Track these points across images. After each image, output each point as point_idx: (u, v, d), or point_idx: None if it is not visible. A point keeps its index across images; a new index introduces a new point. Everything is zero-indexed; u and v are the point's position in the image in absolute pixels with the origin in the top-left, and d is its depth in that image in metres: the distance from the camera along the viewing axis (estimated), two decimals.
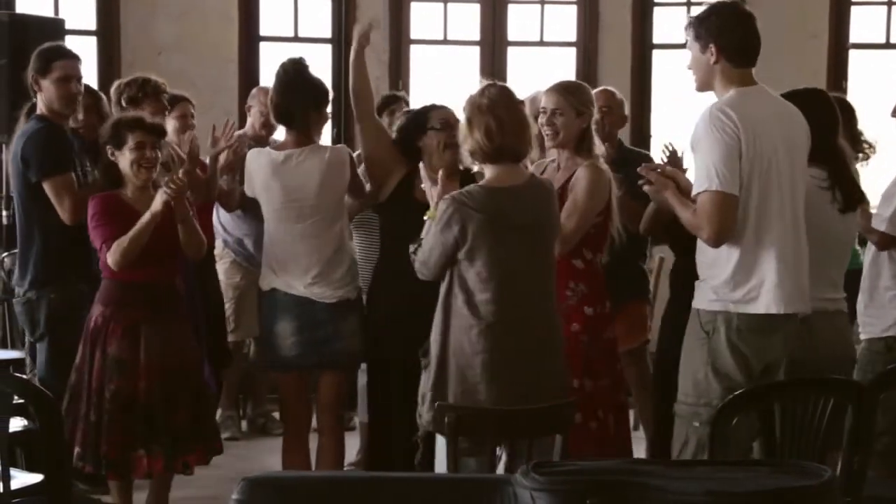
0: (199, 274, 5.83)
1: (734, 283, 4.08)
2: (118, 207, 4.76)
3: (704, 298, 4.14)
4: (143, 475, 4.81)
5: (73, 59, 5.40)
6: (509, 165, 4.17)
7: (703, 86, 4.20)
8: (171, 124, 6.28)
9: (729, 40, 4.11)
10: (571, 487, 2.66)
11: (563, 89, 4.79)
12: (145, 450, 4.72)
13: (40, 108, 5.33)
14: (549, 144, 4.81)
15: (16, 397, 3.89)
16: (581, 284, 4.67)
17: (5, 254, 6.68)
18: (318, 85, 5.11)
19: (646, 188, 4.33)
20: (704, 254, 4.17)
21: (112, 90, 6.03)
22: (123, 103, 5.92)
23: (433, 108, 5.06)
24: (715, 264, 4.11)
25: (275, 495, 2.74)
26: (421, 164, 4.54)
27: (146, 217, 4.68)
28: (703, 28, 4.14)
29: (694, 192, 4.07)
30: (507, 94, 4.20)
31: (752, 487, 2.67)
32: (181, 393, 4.80)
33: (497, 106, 4.12)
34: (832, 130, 4.52)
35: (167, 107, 6.02)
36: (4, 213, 7.05)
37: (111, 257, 4.70)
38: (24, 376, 5.27)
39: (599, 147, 4.82)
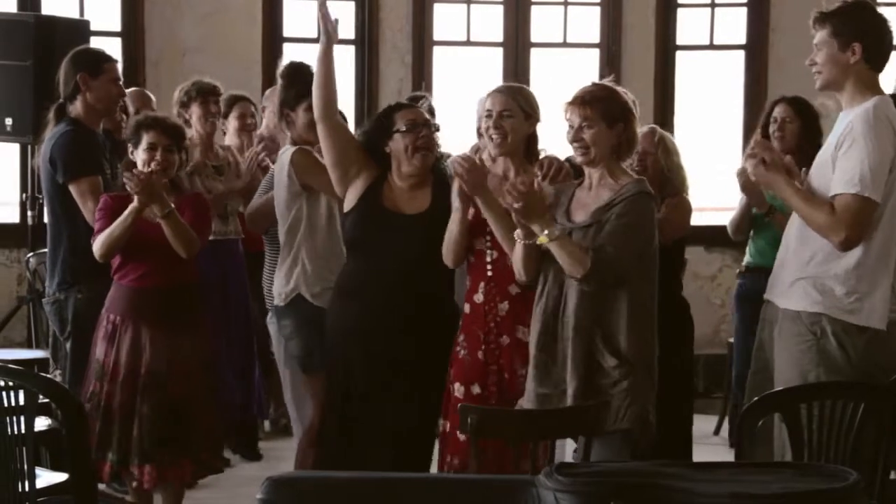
0: (252, 279, 5.91)
1: (846, 289, 4.00)
2: (122, 207, 4.68)
3: (808, 300, 4.04)
4: (104, 480, 4.77)
5: (117, 62, 5.50)
6: None
7: (831, 85, 4.06)
8: (231, 125, 6.35)
9: (875, 41, 4.00)
10: (595, 489, 2.66)
11: (511, 91, 4.46)
12: (100, 455, 4.65)
13: (76, 108, 5.34)
14: (495, 151, 4.39)
15: (41, 396, 3.90)
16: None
17: (30, 254, 6.73)
18: (299, 84, 4.88)
19: (755, 165, 4.11)
20: (813, 253, 4.05)
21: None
22: (177, 108, 5.98)
23: (398, 107, 4.65)
24: (828, 267, 4.01)
25: (299, 495, 2.75)
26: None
27: (122, 216, 4.65)
28: (847, 25, 3.99)
29: (836, 191, 3.95)
30: None
31: (777, 490, 2.67)
32: (156, 402, 4.66)
33: None
34: None
35: (219, 109, 6.06)
36: (30, 213, 7.11)
37: (94, 250, 4.75)
38: (48, 376, 5.30)
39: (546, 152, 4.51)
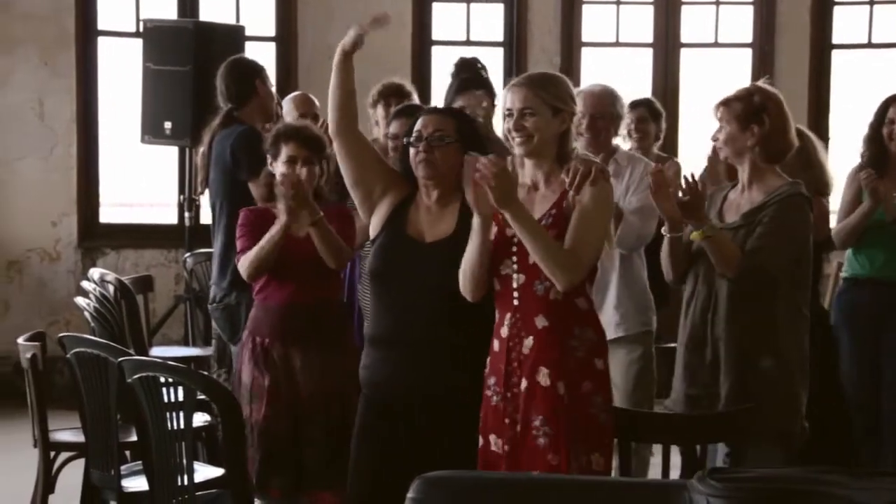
0: None
1: None
2: (262, 221, 4.48)
3: None
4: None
5: None
6: None
7: None
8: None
9: None
10: (749, 495, 2.62)
11: (533, 83, 3.69)
12: (264, 483, 4.40)
13: (244, 113, 5.42)
14: (519, 153, 3.66)
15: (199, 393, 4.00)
16: (588, 329, 3.59)
17: (188, 254, 6.90)
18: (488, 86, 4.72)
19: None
20: None
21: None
22: (372, 101, 6.06)
23: (422, 113, 3.95)
24: None
25: (451, 494, 2.76)
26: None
27: (270, 233, 4.38)
28: None
29: None
30: None
31: None
32: (312, 425, 4.42)
33: None
34: None
35: None
36: (187, 214, 7.30)
37: (240, 270, 4.49)
38: (206, 373, 5.39)
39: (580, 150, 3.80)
